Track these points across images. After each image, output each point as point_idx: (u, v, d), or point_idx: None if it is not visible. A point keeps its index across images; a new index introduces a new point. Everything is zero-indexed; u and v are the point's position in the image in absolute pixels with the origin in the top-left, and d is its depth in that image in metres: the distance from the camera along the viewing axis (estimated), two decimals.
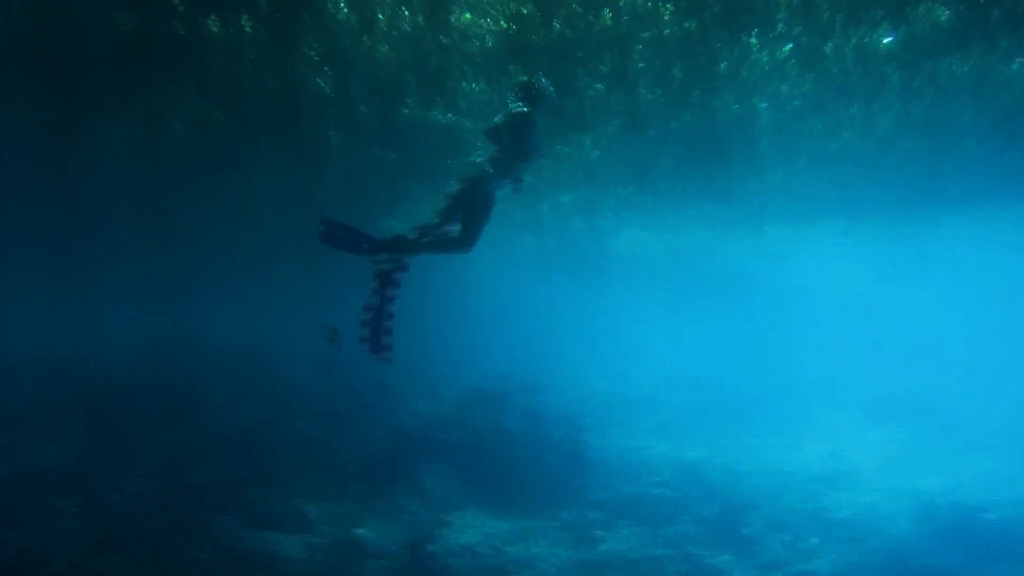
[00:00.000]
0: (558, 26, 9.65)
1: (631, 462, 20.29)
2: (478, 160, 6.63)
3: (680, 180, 16.76)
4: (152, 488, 14.43)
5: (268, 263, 23.55)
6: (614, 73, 11.10)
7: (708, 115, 12.51)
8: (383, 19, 9.11)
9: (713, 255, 27.40)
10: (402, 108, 12.02)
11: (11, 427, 17.14)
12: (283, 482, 15.92)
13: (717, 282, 33.78)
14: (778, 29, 9.67)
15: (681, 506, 16.04)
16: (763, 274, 31.76)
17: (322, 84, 10.91)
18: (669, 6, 9.06)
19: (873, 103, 11.83)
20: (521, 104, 6.83)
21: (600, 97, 12.12)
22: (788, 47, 10.16)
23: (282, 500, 14.97)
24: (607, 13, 9.35)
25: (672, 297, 39.87)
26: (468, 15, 9.29)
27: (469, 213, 6.28)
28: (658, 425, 26.50)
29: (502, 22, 9.56)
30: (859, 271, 31.12)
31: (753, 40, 9.97)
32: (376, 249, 5.82)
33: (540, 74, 7.14)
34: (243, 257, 22.78)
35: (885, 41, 9.86)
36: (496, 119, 6.85)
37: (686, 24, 9.49)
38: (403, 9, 8.96)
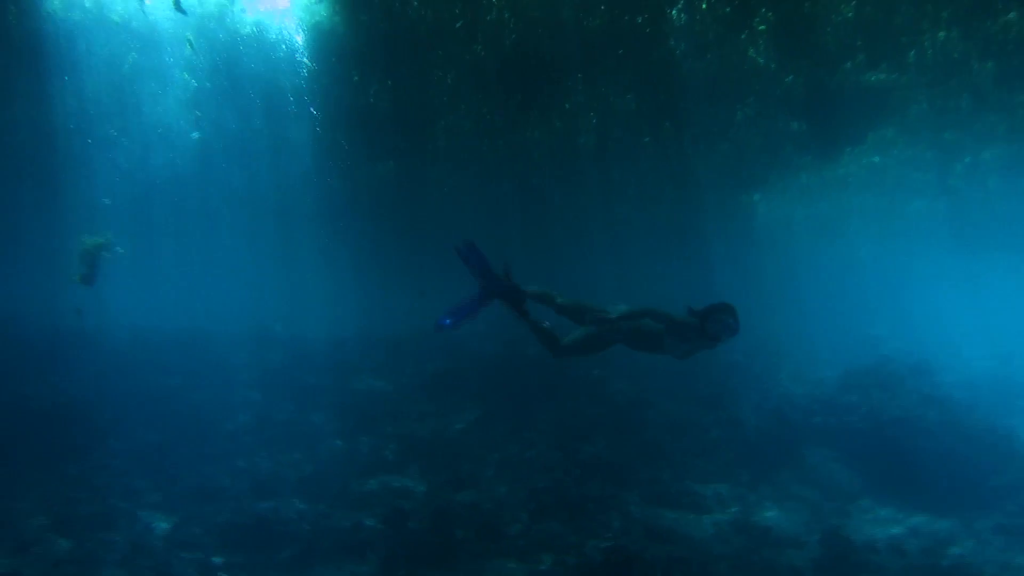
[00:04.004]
0: None
1: None
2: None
3: None
4: (557, 460, 15.51)
5: (627, 243, 24.24)
6: None
7: None
8: None
9: None
10: (836, 73, 11.04)
11: (435, 397, 19.97)
12: (668, 461, 16.14)
13: None
14: None
15: None
16: None
17: (758, 58, 10.43)
18: None
19: None
20: (695, 318, 5.81)
21: None
22: None
23: (673, 480, 15.17)
24: None
25: None
26: None
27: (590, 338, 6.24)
28: None
29: None
30: None
31: None
32: (493, 286, 6.05)
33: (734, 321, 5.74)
34: (602, 238, 23.73)
35: None
36: (678, 315, 5.98)
37: None
38: None
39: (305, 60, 11.23)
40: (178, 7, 9.81)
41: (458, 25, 9.46)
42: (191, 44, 11.02)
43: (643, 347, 6.24)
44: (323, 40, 10.57)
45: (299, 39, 10.71)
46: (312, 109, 12.72)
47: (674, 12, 9.18)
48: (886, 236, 26.45)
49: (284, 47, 11.02)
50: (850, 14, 9.18)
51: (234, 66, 11.71)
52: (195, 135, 14.54)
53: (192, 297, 41.04)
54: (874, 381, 18.49)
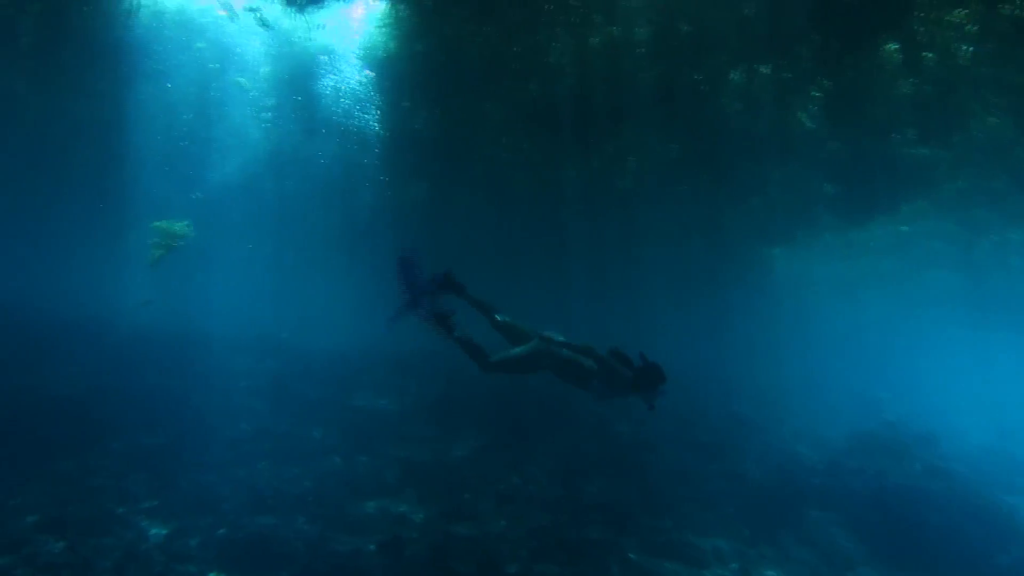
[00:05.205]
0: None
1: None
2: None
3: None
4: (557, 498, 15.28)
5: (643, 284, 24.22)
6: None
7: None
8: (932, 56, 8.25)
9: None
10: (882, 144, 11.07)
11: (437, 421, 19.65)
12: (668, 509, 15.84)
13: None
14: None
15: None
16: None
17: (807, 122, 10.44)
18: None
19: None
20: (629, 371, 5.98)
21: None
22: None
23: (673, 530, 14.93)
24: None
25: None
26: None
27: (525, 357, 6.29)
28: None
29: None
30: None
31: None
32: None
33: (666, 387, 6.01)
34: (620, 277, 23.72)
35: None
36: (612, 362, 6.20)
37: None
38: (965, 46, 7.96)
39: (373, 124, 11.35)
40: (261, 22, 9.86)
41: (515, 66, 9.46)
42: (242, 85, 11.15)
43: (570, 379, 6.33)
44: (378, 66, 10.59)
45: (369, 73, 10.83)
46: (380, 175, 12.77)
47: (734, 74, 9.20)
48: (900, 301, 26.52)
49: (348, 82, 11.15)
50: (908, 90, 9.21)
51: (297, 82, 11.87)
52: (265, 146, 14.68)
53: (209, 300, 40.86)
54: (879, 446, 18.35)
